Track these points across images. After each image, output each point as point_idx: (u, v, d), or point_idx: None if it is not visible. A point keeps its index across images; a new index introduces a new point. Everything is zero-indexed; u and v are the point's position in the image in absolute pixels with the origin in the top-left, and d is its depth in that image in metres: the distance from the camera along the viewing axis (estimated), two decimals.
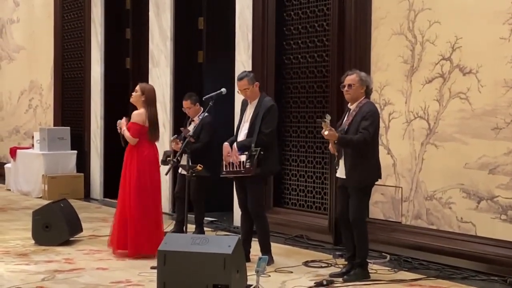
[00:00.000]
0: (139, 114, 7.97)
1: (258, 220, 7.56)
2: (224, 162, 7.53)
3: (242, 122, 7.62)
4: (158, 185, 8.11)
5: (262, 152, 7.27)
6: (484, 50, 7.26)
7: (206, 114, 8.11)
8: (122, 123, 8.01)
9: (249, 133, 7.45)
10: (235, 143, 7.50)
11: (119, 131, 8.08)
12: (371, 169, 6.89)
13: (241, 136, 7.55)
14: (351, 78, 6.96)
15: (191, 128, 8.81)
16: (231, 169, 7.47)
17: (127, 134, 7.93)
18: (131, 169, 7.92)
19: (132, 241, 7.81)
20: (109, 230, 8.46)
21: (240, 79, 7.61)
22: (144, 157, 7.95)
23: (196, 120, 8.83)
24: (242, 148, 7.39)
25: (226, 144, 7.56)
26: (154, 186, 8.02)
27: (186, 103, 9.13)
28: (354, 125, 6.84)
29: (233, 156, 7.41)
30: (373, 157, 6.90)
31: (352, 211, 6.85)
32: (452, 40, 7.55)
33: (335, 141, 6.81)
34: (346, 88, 6.96)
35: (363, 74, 7.03)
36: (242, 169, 7.36)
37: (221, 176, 7.65)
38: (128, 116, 8.15)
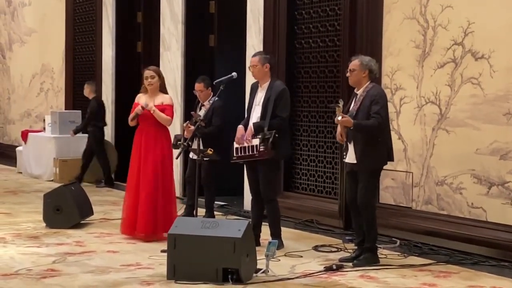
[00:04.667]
0: (170, 98, 8.15)
1: (270, 204, 7.56)
2: (235, 146, 7.52)
3: (254, 106, 7.61)
4: (173, 168, 8.26)
5: (277, 135, 7.27)
6: (497, 35, 7.22)
7: (216, 98, 8.11)
8: (149, 105, 7.98)
9: (262, 117, 7.44)
10: (251, 124, 7.48)
11: (138, 112, 8.02)
12: (381, 153, 6.87)
13: (254, 119, 7.53)
14: (353, 63, 6.96)
15: (201, 113, 8.80)
16: (243, 154, 7.46)
17: (163, 115, 7.95)
18: (157, 152, 7.96)
19: (165, 222, 7.81)
20: (120, 213, 8.48)
21: (253, 55, 7.71)
22: (170, 140, 8.18)
23: (207, 104, 8.83)
24: (258, 129, 7.37)
25: (240, 126, 7.56)
26: (172, 169, 8.15)
27: (199, 86, 9.12)
28: (363, 110, 6.81)
29: (246, 137, 7.40)
30: (383, 140, 6.87)
31: (361, 196, 6.84)
32: (465, 25, 7.50)
33: (351, 127, 6.79)
34: (348, 74, 6.98)
35: (365, 58, 6.98)
36: (255, 152, 7.35)
37: (231, 161, 7.64)
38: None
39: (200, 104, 9.13)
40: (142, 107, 7.98)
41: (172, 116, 8.07)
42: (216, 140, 8.56)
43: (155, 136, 8.00)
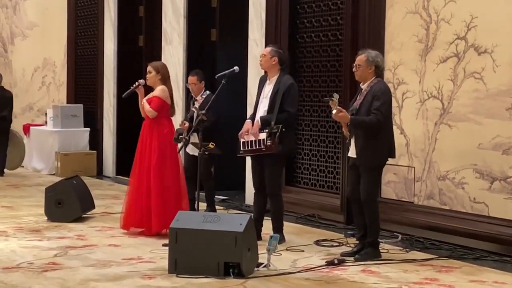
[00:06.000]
0: (163, 90, 7.97)
1: (274, 199, 7.55)
2: (241, 140, 7.51)
3: (261, 98, 7.59)
4: (178, 162, 8.09)
5: (283, 129, 7.25)
6: (500, 30, 7.20)
7: (209, 92, 8.14)
8: (141, 96, 7.97)
9: (269, 110, 7.43)
10: (258, 118, 7.47)
11: (135, 87, 8.01)
12: (382, 148, 6.85)
13: (260, 112, 7.52)
14: (359, 58, 6.93)
15: (195, 108, 8.77)
16: (249, 148, 7.44)
17: (146, 107, 7.89)
18: (152, 147, 7.89)
19: (155, 218, 7.78)
20: (121, 207, 8.46)
21: (267, 46, 7.73)
22: (165, 135, 7.96)
23: (199, 99, 8.82)
24: (265, 123, 7.35)
25: (248, 121, 7.56)
26: (175, 163, 8.00)
27: (192, 79, 9.04)
28: (366, 105, 6.80)
29: (253, 130, 7.39)
30: (385, 136, 6.86)
31: (363, 191, 6.83)
32: (468, 19, 7.48)
33: (347, 123, 6.78)
34: (354, 69, 6.95)
35: (373, 54, 6.94)
36: (262, 146, 7.34)
37: (238, 155, 7.63)
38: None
39: (193, 100, 9.06)
40: (137, 85, 7.99)
41: (156, 108, 7.84)
42: (212, 134, 8.53)
43: (149, 130, 7.95)
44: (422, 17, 7.94)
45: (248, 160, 9.71)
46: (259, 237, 7.31)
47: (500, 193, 7.20)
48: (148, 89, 8.13)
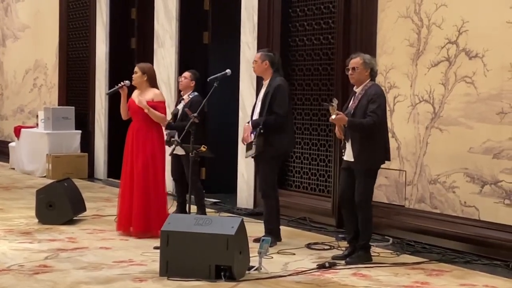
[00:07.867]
0: (161, 94, 8.10)
1: (266, 199, 7.61)
2: (244, 144, 7.64)
3: (257, 102, 7.72)
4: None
5: (262, 131, 7.30)
6: (491, 34, 7.23)
7: (196, 94, 8.15)
8: (142, 103, 7.94)
9: (261, 113, 7.54)
10: (250, 121, 7.59)
11: (119, 87, 8.05)
12: (378, 151, 6.87)
13: (255, 115, 7.65)
14: (354, 61, 6.94)
15: (180, 107, 8.80)
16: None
17: (158, 114, 7.89)
18: (155, 148, 7.93)
19: (157, 218, 7.79)
20: (113, 210, 8.47)
21: (258, 51, 7.87)
22: (161, 136, 8.09)
23: (186, 98, 8.83)
24: (256, 126, 7.45)
25: (246, 124, 7.66)
26: (163, 165, 8.11)
27: (187, 74, 8.99)
28: (361, 108, 6.81)
29: (245, 134, 7.47)
30: (381, 139, 6.88)
31: (358, 194, 6.84)
32: (459, 24, 7.51)
33: (345, 125, 6.79)
34: (350, 72, 6.96)
35: (367, 56, 7.00)
36: None
37: (245, 157, 7.76)
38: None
39: (180, 99, 9.07)
40: (121, 85, 8.02)
41: (165, 114, 8.04)
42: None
43: (145, 131, 7.95)
44: (413, 21, 7.96)
45: (240, 164, 9.78)
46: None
47: (490, 197, 7.22)
48: (130, 90, 8.16)
